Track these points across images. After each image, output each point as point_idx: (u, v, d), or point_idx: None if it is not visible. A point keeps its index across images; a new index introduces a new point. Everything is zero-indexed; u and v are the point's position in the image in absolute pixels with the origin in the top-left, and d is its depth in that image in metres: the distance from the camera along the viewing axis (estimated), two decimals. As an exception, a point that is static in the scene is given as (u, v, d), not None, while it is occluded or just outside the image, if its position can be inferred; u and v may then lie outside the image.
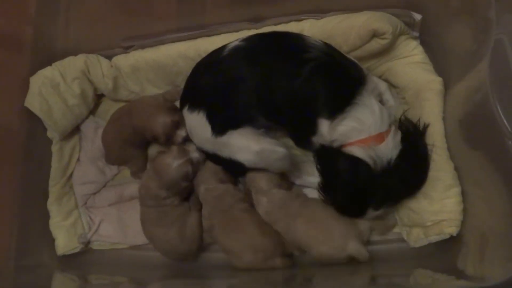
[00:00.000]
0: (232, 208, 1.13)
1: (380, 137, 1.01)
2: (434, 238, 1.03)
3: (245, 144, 1.05)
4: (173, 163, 1.12)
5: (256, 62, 1.05)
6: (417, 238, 1.07)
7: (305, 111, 1.03)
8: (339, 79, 1.02)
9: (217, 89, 1.08)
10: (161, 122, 1.17)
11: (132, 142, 1.27)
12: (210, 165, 1.18)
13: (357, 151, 0.99)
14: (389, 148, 1.00)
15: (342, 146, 1.04)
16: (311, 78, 1.00)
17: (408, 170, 1.01)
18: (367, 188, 0.99)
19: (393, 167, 0.99)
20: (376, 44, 1.13)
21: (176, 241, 1.14)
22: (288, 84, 1.02)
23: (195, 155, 1.16)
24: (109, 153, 1.30)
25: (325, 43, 1.08)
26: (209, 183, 1.16)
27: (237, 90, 1.06)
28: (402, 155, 1.01)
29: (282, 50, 1.06)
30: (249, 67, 1.05)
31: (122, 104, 1.38)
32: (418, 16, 1.15)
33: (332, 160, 1.02)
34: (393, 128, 1.04)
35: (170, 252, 1.19)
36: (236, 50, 1.08)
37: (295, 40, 1.07)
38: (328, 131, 1.02)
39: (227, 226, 1.12)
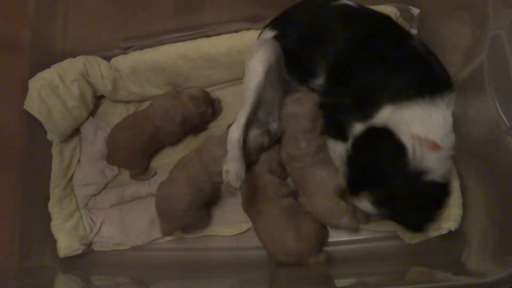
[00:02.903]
0: (270, 202, 1.11)
1: (437, 147, 0.92)
2: (432, 234, 1.02)
3: None
4: (250, 134, 1.08)
5: (357, 25, 1.03)
6: (414, 234, 1.06)
7: (377, 91, 0.98)
8: (430, 72, 0.99)
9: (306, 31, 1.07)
10: (189, 98, 1.22)
11: (145, 149, 1.28)
12: (263, 154, 1.15)
13: (407, 140, 0.90)
14: (437, 161, 0.91)
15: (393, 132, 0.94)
16: (407, 60, 0.98)
17: (428, 197, 0.92)
18: (383, 173, 0.90)
19: (422, 180, 0.90)
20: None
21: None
22: (380, 55, 1.00)
23: (273, 126, 1.13)
24: (115, 157, 1.29)
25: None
26: (259, 169, 1.14)
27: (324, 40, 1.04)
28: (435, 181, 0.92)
29: (386, 28, 1.04)
30: (347, 27, 1.03)
31: (121, 106, 1.39)
32: (416, 11, 1.16)
33: (375, 140, 0.94)
34: (449, 150, 0.95)
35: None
36: (345, 7, 1.06)
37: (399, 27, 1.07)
38: (388, 115, 0.96)
39: (264, 220, 1.11)
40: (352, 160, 0.95)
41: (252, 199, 1.13)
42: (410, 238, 1.08)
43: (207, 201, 1.20)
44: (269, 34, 1.12)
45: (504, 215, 0.88)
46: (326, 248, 1.15)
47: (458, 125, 0.97)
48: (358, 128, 0.99)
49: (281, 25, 1.12)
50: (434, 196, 0.93)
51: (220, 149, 1.07)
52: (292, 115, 1.12)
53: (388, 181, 0.90)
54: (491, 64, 0.84)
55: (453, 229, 1.00)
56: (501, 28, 0.83)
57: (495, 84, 0.83)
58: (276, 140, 1.16)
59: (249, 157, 1.09)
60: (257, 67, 1.01)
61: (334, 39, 1.03)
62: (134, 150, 1.25)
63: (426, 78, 0.98)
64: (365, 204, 0.94)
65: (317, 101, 1.10)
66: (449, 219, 1.01)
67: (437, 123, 0.94)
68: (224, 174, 0.99)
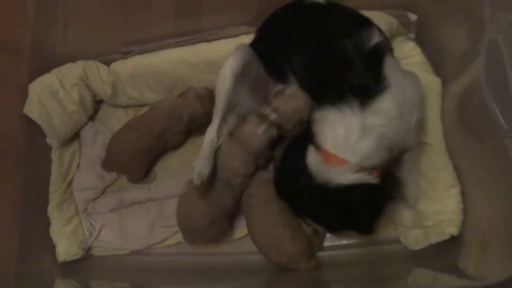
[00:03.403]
0: (271, 198, 1.10)
1: (338, 162, 0.87)
2: (434, 239, 1.02)
3: None
4: (258, 130, 1.09)
5: (322, 20, 1.01)
6: (417, 240, 1.06)
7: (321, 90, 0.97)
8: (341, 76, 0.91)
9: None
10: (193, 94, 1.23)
11: (149, 152, 1.26)
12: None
13: (311, 155, 0.89)
14: (341, 173, 0.86)
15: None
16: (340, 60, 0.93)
17: (345, 199, 0.87)
18: (294, 189, 0.93)
19: (328, 188, 0.86)
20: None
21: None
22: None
23: (273, 116, 1.12)
24: (115, 162, 1.27)
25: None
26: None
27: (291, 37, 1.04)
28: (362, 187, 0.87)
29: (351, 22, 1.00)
30: (311, 21, 1.02)
31: (121, 110, 1.40)
32: (413, 16, 1.16)
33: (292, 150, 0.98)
34: (355, 164, 0.87)
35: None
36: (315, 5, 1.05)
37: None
38: (318, 117, 0.94)
39: (262, 218, 1.11)
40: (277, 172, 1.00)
41: (252, 194, 1.13)
42: (413, 244, 1.07)
43: (231, 214, 1.19)
44: (249, 38, 1.16)
45: (504, 219, 0.88)
46: (326, 253, 1.16)
47: (457, 128, 0.98)
48: None
49: (260, 28, 1.15)
50: (349, 196, 0.87)
51: (236, 159, 1.09)
52: (295, 110, 1.10)
53: (301, 196, 0.92)
54: (489, 68, 0.85)
55: (455, 234, 1.00)
56: (498, 31, 0.83)
57: (493, 87, 0.84)
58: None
59: (265, 155, 1.12)
60: (226, 74, 1.06)
61: (295, 38, 1.03)
62: (138, 153, 1.24)
63: (335, 81, 0.91)
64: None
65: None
66: (451, 224, 1.01)
67: (340, 135, 0.87)
68: (192, 170, 1.03)
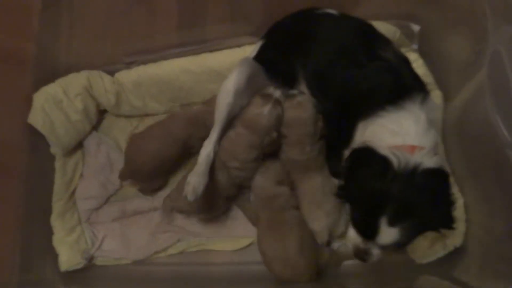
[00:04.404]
0: (282, 212, 1.12)
1: (415, 148, 0.88)
2: (441, 253, 1.02)
3: None
4: (263, 110, 1.09)
5: (334, 32, 1.04)
6: (424, 254, 1.06)
7: (351, 107, 0.99)
8: (396, 80, 0.96)
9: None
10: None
11: (173, 160, 1.26)
12: (272, 165, 1.16)
13: (387, 153, 0.86)
14: (422, 158, 0.85)
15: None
16: (375, 73, 0.97)
17: (435, 191, 0.85)
18: (383, 191, 0.83)
19: (419, 176, 0.83)
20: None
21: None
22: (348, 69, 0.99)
23: (277, 93, 1.13)
24: (137, 172, 1.25)
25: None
26: (266, 182, 1.14)
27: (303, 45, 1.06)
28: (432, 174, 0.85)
29: (361, 36, 1.03)
30: (326, 33, 1.05)
31: (124, 120, 1.40)
32: (416, 27, 1.17)
33: (358, 157, 0.92)
34: (431, 149, 0.90)
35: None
36: (328, 16, 1.08)
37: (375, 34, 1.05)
38: (362, 132, 0.96)
39: (271, 228, 1.11)
40: (348, 194, 0.92)
41: (266, 205, 1.14)
42: (421, 258, 1.07)
43: (227, 197, 1.19)
44: (254, 49, 1.16)
45: (507, 230, 0.87)
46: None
47: (460, 139, 0.97)
48: (346, 155, 0.98)
49: (267, 36, 1.16)
50: (437, 179, 0.86)
51: (242, 144, 1.10)
52: (296, 119, 1.11)
53: (391, 195, 0.82)
54: (492, 79, 0.85)
55: (458, 245, 1.00)
56: (500, 43, 0.84)
57: (496, 99, 0.84)
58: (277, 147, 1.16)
59: (272, 136, 1.11)
60: (229, 90, 1.08)
61: (311, 47, 1.05)
62: (162, 162, 1.23)
63: (390, 87, 0.95)
64: (389, 232, 0.83)
65: (314, 102, 1.10)
66: (454, 235, 1.01)
67: (409, 128, 0.90)
68: (185, 185, 1.04)
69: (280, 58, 1.11)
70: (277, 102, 1.11)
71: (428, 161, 0.84)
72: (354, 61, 0.99)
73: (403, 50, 1.19)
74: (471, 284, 0.92)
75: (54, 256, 1.24)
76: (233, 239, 1.23)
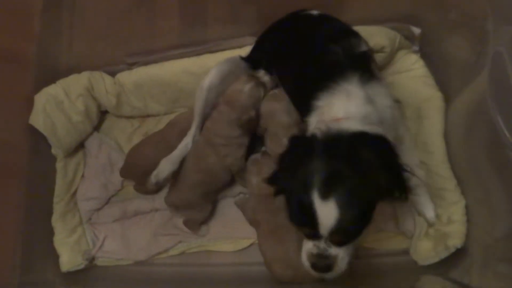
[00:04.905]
0: (281, 212, 1.08)
1: (340, 118, 0.84)
2: (444, 254, 1.02)
3: None
4: (244, 87, 1.14)
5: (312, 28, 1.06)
6: (427, 256, 1.05)
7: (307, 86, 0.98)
8: (331, 64, 0.93)
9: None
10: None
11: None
12: (266, 162, 1.15)
13: (312, 128, 0.86)
14: (348, 124, 0.82)
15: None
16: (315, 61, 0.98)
17: (371, 153, 0.77)
18: (308, 166, 0.76)
19: (344, 141, 0.78)
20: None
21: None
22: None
23: (266, 78, 1.18)
24: (130, 170, 1.28)
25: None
26: (262, 181, 1.13)
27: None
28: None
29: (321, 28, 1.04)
30: (303, 29, 1.08)
31: (125, 121, 1.40)
32: (417, 30, 1.17)
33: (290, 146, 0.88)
34: (361, 117, 0.84)
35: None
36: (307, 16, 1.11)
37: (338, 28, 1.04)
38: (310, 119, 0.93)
39: (271, 231, 1.11)
40: (278, 183, 0.87)
41: (263, 206, 1.14)
42: (423, 260, 1.06)
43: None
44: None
45: (508, 231, 0.87)
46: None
47: (462, 141, 0.97)
48: None
49: (258, 38, 1.21)
50: (372, 143, 0.80)
51: (222, 120, 1.15)
52: (271, 111, 1.15)
53: (315, 167, 0.76)
54: (493, 80, 0.85)
55: (459, 246, 1.00)
56: (501, 44, 0.84)
57: (497, 100, 0.84)
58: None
59: (250, 114, 1.14)
60: (202, 87, 1.17)
61: (286, 46, 1.09)
62: (155, 164, 1.20)
63: (327, 72, 0.91)
64: (321, 209, 0.73)
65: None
66: (455, 236, 1.01)
67: (339, 103, 0.86)
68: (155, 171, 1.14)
69: (264, 59, 1.18)
70: (260, 84, 1.16)
71: (356, 127, 0.80)
72: (306, 50, 1.01)
73: (403, 52, 1.20)
74: (472, 285, 0.92)
75: (55, 257, 1.24)
76: (234, 240, 1.23)
